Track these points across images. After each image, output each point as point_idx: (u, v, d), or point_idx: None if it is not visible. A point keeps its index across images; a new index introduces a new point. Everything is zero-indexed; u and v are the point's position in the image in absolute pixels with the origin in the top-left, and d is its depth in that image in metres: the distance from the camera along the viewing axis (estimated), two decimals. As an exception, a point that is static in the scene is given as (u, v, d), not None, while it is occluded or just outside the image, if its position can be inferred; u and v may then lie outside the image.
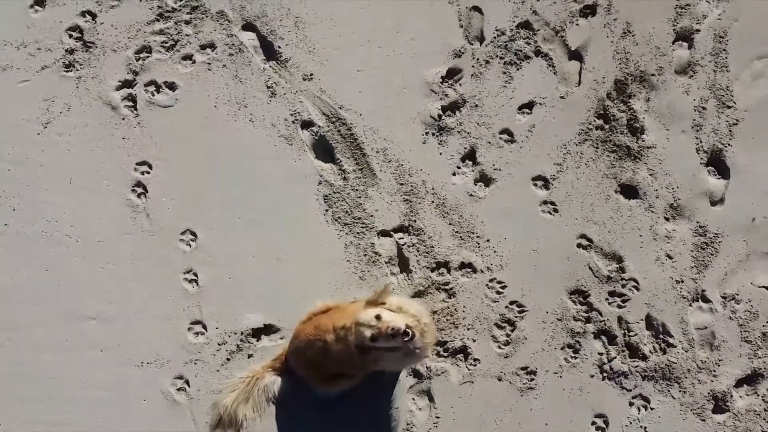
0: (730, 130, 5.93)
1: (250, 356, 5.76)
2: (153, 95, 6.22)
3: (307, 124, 6.17)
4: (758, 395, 5.30)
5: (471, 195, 5.77)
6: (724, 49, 5.92)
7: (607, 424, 5.36)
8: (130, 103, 6.21)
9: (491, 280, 5.65)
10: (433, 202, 5.84)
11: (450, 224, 5.76)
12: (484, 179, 5.86)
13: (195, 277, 5.80)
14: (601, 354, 5.42)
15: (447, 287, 5.56)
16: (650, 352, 5.42)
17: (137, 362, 5.63)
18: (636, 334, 5.41)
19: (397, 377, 5.45)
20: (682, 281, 5.53)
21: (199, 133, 6.12)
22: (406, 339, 4.08)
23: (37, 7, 6.28)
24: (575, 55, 6.19)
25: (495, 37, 6.01)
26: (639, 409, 5.35)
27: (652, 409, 5.36)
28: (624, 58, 6.12)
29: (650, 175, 5.77)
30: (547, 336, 5.43)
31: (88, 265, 5.88)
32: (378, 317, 4.15)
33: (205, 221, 5.94)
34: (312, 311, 5.21)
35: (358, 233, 5.66)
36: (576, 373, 5.36)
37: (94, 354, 5.67)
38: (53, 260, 5.89)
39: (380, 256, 5.63)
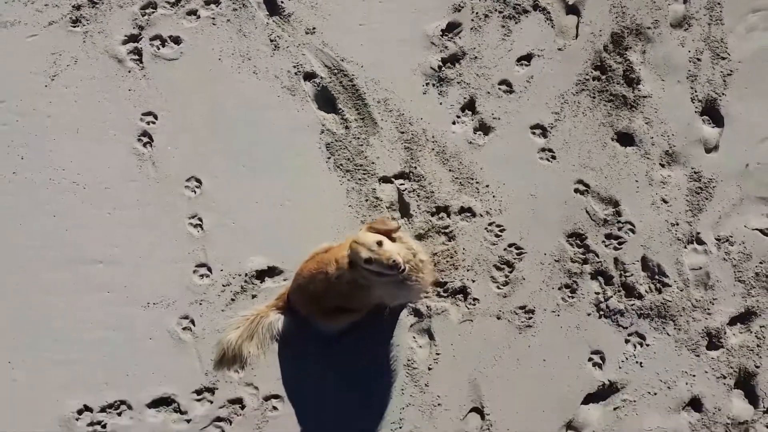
0: (725, 81, 6.73)
1: (254, 297, 6.44)
2: (158, 49, 7.09)
3: (309, 76, 6.96)
4: (751, 332, 6.08)
5: (470, 143, 6.57)
6: (719, 3, 6.95)
7: (604, 360, 6.08)
8: (136, 57, 7.09)
9: (490, 224, 6.44)
10: (433, 149, 6.61)
11: (450, 170, 6.53)
12: (484, 128, 6.65)
13: (200, 222, 6.56)
14: (597, 293, 6.19)
15: (447, 231, 6.37)
16: (646, 291, 6.19)
17: (143, 303, 6.35)
18: (632, 275, 6.21)
19: (398, 316, 6.28)
20: (677, 224, 6.34)
21: (204, 85, 6.92)
22: (399, 271, 4.46)
23: (44, -35, 6.77)
24: (573, 10, 7.08)
25: (494, -8, 6.62)
26: (635, 346, 6.08)
27: (647, 345, 6.10)
28: (620, 12, 7.02)
29: (646, 123, 6.56)
30: (545, 276, 6.22)
31: (95, 211, 6.63)
32: (380, 243, 4.56)
33: (210, 169, 6.73)
34: (315, 251, 5.92)
35: (359, 179, 6.50)
36: (573, 312, 6.14)
37: (101, 296, 6.39)
38: (60, 207, 6.64)
39: (381, 201, 6.46)
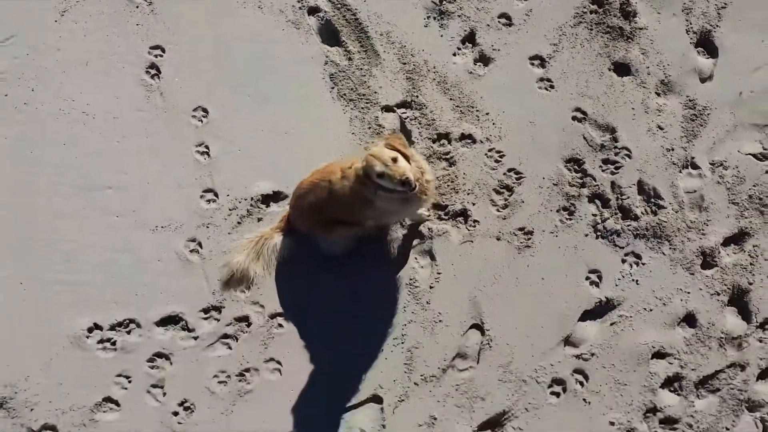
0: (719, 13, 6.89)
1: (259, 220, 6.54)
2: (166, -16, 6.79)
3: (313, 10, 7.07)
4: (744, 251, 6.23)
5: (471, 73, 6.71)
6: (712, -61, 6.70)
7: (601, 278, 6.22)
8: (144, -8, 6.79)
9: (490, 150, 6.57)
10: (434, 79, 6.74)
11: (450, 99, 6.67)
12: (483, 59, 6.79)
13: (206, 150, 6.67)
14: (594, 215, 6.33)
15: (448, 156, 6.52)
16: (642, 213, 6.33)
17: (151, 227, 6.46)
18: (628, 197, 6.35)
19: (408, 249, 6.46)
20: (673, 149, 6.49)
21: (211, 19, 7.01)
22: (410, 189, 4.64)
23: None
24: (570, -54, 6.79)
25: (493, -71, 6.77)
26: (631, 265, 6.22)
27: (643, 264, 6.24)
28: (617, -53, 6.74)
29: (642, 53, 6.72)
30: (544, 199, 6.37)
31: (104, 139, 6.73)
32: (395, 160, 4.66)
33: (216, 99, 6.82)
34: (317, 169, 5.97)
35: (362, 108, 6.65)
36: (571, 233, 6.28)
37: (110, 220, 6.49)
38: (70, 136, 6.74)
39: (384, 128, 6.61)
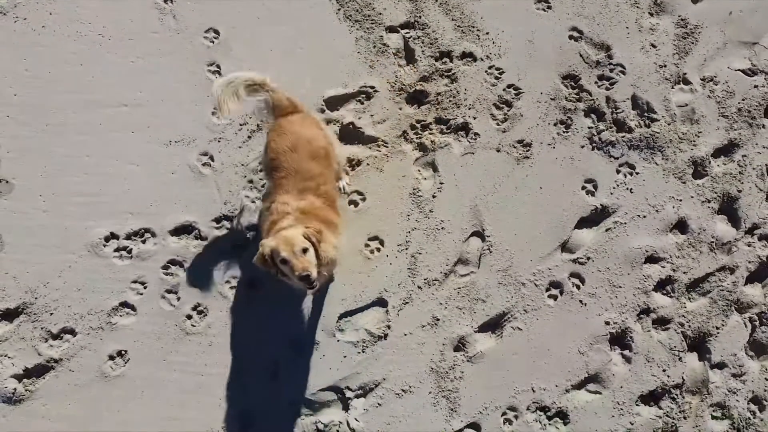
0: (709, -64, 5.79)
1: (269, 133, 5.52)
2: None
3: (319, -64, 5.94)
4: (734, 161, 5.54)
5: (471, -5, 5.76)
6: None
7: (597, 187, 5.47)
8: None
9: (490, 67, 5.81)
10: (436, 1, 6.01)
11: (452, 20, 5.93)
12: (483, -19, 5.78)
13: (218, 69, 5.97)
14: (590, 128, 5.58)
15: (449, 73, 5.71)
16: (636, 126, 5.56)
17: (165, 141, 5.78)
18: (623, 111, 5.57)
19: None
20: (665, 66, 5.68)
21: (221, -55, 5.92)
22: (308, 286, 4.06)
23: None
24: None
25: None
26: (625, 175, 5.45)
27: (637, 173, 5.48)
28: None
29: (635, -25, 5.74)
30: (541, 113, 5.58)
31: (119, 59, 6.07)
32: (305, 251, 4.06)
33: (227, 21, 6.17)
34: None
35: (367, 28, 5.85)
36: (568, 145, 5.51)
37: (126, 135, 5.85)
38: (87, 56, 6.08)
39: (388, 47, 5.82)
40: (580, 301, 5.27)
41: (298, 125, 4.51)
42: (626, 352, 5.13)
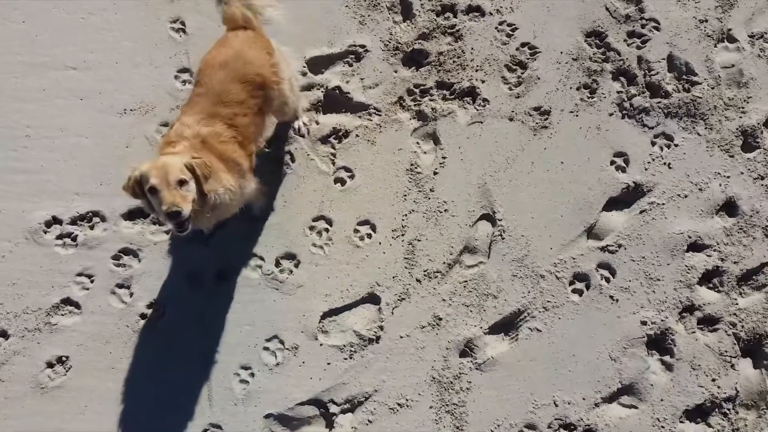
0: None
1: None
2: None
3: None
4: (790, 131, 4.32)
5: (478, -62, 4.73)
6: None
7: (628, 162, 4.59)
8: None
9: (501, 23, 4.93)
10: (437, -55, 4.73)
11: (455, -32, 4.69)
12: (492, -77, 4.74)
13: (182, 26, 5.15)
14: (620, 93, 4.68)
15: (453, 31, 4.77)
16: (673, 90, 4.60)
17: (119, 110, 4.96)
18: (657, 73, 4.58)
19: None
20: (706, 21, 4.74)
21: None
22: (176, 228, 3.43)
23: None
24: None
25: None
26: (662, 147, 4.51)
27: (676, 146, 4.55)
28: None
29: None
30: (562, 76, 4.60)
31: (68, 15, 5.20)
32: (182, 183, 3.41)
33: (193, -30, 4.80)
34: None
35: (357, -22, 4.70)
36: (593, 112, 4.52)
37: (74, 102, 4.98)
38: (30, 12, 5.20)
39: (382, 0, 4.68)
40: (611, 297, 4.44)
41: (241, 42, 3.85)
42: (667, 358, 4.25)
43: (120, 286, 4.53)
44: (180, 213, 3.30)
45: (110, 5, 5.00)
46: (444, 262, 4.37)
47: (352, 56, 4.84)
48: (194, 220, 3.54)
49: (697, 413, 4.14)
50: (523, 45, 4.82)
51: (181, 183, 3.33)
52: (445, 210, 4.46)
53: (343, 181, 4.55)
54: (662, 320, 4.23)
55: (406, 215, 4.46)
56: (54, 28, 5.06)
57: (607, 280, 4.32)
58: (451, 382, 4.16)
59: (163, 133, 4.50)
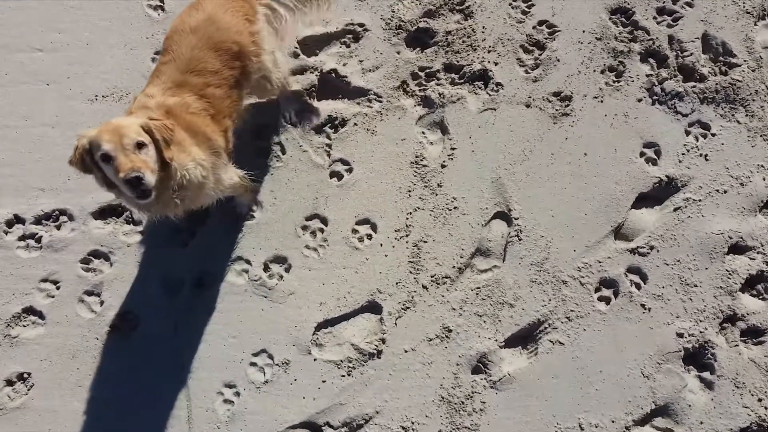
0: None
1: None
2: None
3: None
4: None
5: None
6: None
7: (659, 153, 4.08)
8: None
9: None
10: None
11: (465, -62, 4.10)
12: None
13: (161, 3, 4.60)
14: (649, 76, 4.10)
15: (462, 7, 4.23)
16: (709, 73, 4.03)
17: (89, 96, 4.46)
18: (690, 54, 3.96)
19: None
20: (745, -5, 3.95)
21: None
22: (136, 195, 2.91)
23: None
24: None
25: None
26: (697, 137, 3.92)
27: (713, 135, 3.98)
28: None
29: None
30: (584, 58, 3.99)
31: None
32: (140, 147, 2.92)
33: (173, -59, 4.18)
34: None
35: (355, -50, 4.10)
36: (620, 98, 3.95)
37: (39, 87, 4.48)
38: (-8, -13, 4.16)
39: None
40: (642, 306, 3.90)
41: (216, 5, 3.36)
42: (706, 375, 3.75)
43: (89, 293, 4.02)
44: (141, 179, 2.78)
45: (81, -20, 4.28)
46: (453, 267, 3.78)
47: (350, 36, 4.27)
48: (160, 201, 3.02)
49: (742, 438, 3.49)
50: (540, 23, 4.25)
51: (140, 146, 2.85)
52: (455, 207, 3.87)
53: (339, 176, 3.94)
54: (701, 332, 3.64)
55: (410, 213, 3.87)
56: (17, 5, 4.56)
57: (638, 287, 3.75)
58: (463, 403, 3.58)
59: None
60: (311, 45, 4.31)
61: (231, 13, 3.41)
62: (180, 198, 3.19)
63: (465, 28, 4.28)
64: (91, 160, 2.87)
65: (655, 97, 4.11)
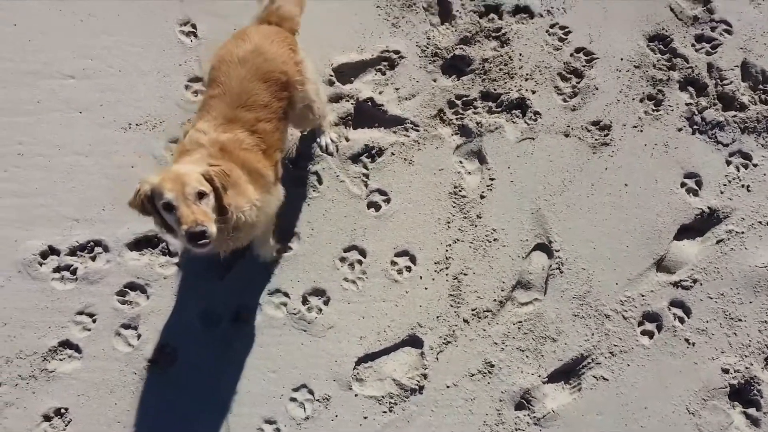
0: None
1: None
2: None
3: None
4: None
5: (525, -71, 4.05)
6: None
7: (701, 184, 4.02)
8: None
9: (552, 26, 4.36)
10: (479, -63, 4.09)
11: (500, -37, 4.06)
12: None
13: (193, 29, 4.54)
14: (689, 105, 4.01)
15: (499, 34, 4.10)
16: (750, 101, 3.95)
17: (123, 124, 4.34)
18: (730, 82, 3.92)
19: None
20: (785, 22, 3.87)
21: None
22: (195, 245, 2.84)
23: None
24: None
25: None
26: (738, 167, 3.98)
27: (755, 165, 4.00)
28: None
29: None
30: (623, 86, 3.93)
31: (65, 17, 4.56)
32: (201, 197, 2.87)
33: (205, -34, 4.31)
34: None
35: (389, -23, 4.06)
36: (660, 127, 3.90)
37: (72, 115, 4.35)
38: (22, 13, 4.55)
39: (417, 0, 3.95)
40: (686, 340, 3.83)
41: (262, 36, 3.33)
42: (753, 411, 3.72)
43: (126, 326, 3.93)
44: (205, 233, 2.77)
45: (112, 5, 4.41)
46: (494, 300, 3.69)
47: (385, 63, 4.18)
48: (213, 243, 2.95)
49: (791, 477, 3.43)
50: (577, 50, 4.15)
51: (201, 196, 2.82)
52: (495, 239, 3.78)
53: (377, 206, 3.84)
54: (746, 367, 3.58)
55: (450, 245, 3.78)
56: (49, 31, 4.47)
57: (681, 321, 3.67)
58: (506, 439, 3.45)
59: (174, 151, 3.75)
60: (346, 72, 4.23)
61: (277, 44, 3.38)
62: (233, 239, 3.17)
63: (501, 56, 4.20)
64: (152, 205, 2.86)
65: (695, 127, 4.03)
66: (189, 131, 3.22)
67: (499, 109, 4.13)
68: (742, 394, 3.64)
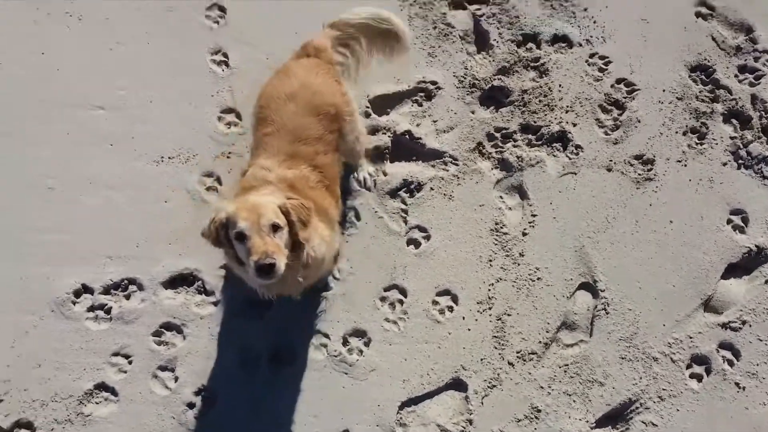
0: None
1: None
2: None
3: None
4: None
5: (564, -43, 3.93)
6: None
7: (747, 221, 4.03)
8: None
9: (592, 56, 4.28)
10: (517, -35, 3.93)
11: (539, -10, 3.94)
12: (580, -60, 3.96)
13: (225, 58, 4.41)
14: (733, 138, 3.91)
15: (538, 64, 3.97)
16: (796, 134, 3.63)
17: (155, 158, 4.21)
18: None
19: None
20: (832, 51, 3.78)
21: None
22: (264, 277, 2.76)
23: None
24: None
25: None
26: (785, 204, 3.52)
27: (803, 201, 3.55)
28: None
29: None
30: (665, 118, 3.83)
31: (94, 46, 4.39)
32: (275, 229, 2.80)
33: (235, -6, 4.21)
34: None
35: (424, 3, 4.16)
36: (704, 161, 3.82)
37: (103, 148, 4.20)
38: (51, 42, 4.38)
39: (454, 29, 4.22)
40: (736, 384, 3.76)
41: (306, 70, 3.28)
42: None
43: (163, 368, 3.80)
44: (274, 266, 2.67)
45: (142, 33, 4.25)
46: (539, 341, 3.59)
47: (422, 94, 4.06)
48: (282, 281, 2.89)
49: None
50: (618, 81, 4.05)
51: (275, 228, 2.74)
52: (538, 278, 3.67)
53: (417, 243, 3.73)
54: (798, 411, 3.42)
55: (492, 284, 3.66)
56: (78, 60, 4.31)
57: (731, 364, 3.59)
58: (553, 486, 3.37)
59: (208, 185, 3.65)
60: (382, 104, 4.12)
61: (322, 77, 3.32)
62: (303, 276, 3.09)
63: (541, 87, 4.09)
64: (225, 235, 2.77)
65: (740, 161, 3.94)
66: (251, 170, 3.16)
67: (540, 143, 4.01)
68: (794, 439, 3.52)
